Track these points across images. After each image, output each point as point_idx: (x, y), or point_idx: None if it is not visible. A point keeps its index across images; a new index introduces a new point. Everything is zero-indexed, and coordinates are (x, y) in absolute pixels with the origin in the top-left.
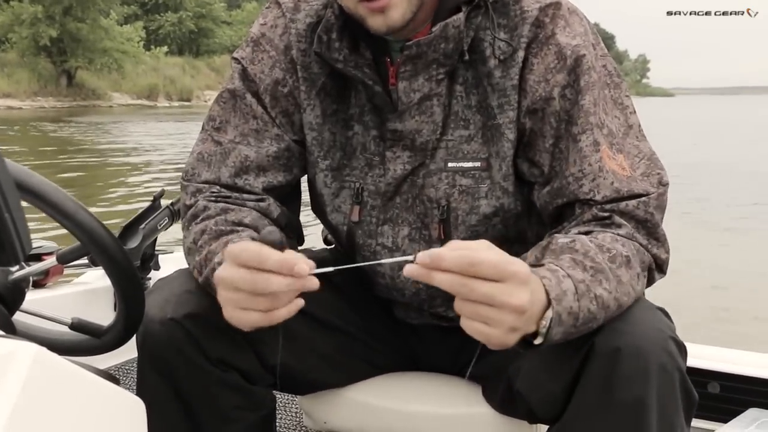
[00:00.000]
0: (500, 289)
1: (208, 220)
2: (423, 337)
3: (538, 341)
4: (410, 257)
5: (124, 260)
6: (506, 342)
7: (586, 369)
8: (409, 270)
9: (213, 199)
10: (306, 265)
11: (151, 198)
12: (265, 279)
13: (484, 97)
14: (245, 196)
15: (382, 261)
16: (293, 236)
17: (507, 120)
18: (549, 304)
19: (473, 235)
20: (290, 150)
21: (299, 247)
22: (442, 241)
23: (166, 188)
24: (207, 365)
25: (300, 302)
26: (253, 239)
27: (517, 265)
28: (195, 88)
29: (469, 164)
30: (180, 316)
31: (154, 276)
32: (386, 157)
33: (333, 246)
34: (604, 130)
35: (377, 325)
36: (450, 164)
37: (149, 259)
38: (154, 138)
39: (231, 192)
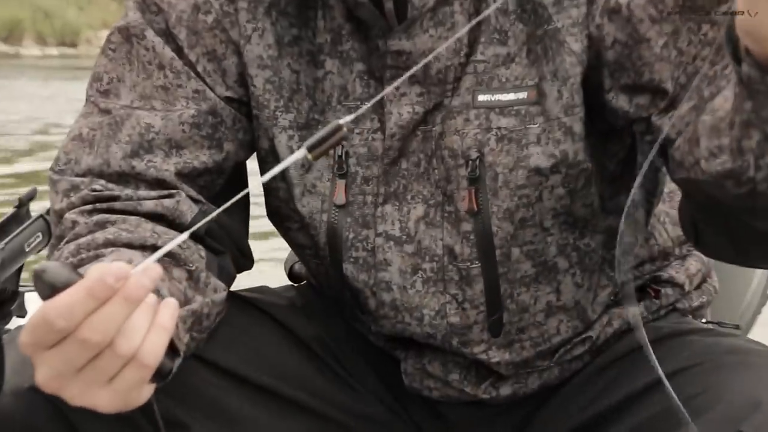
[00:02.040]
0: None
1: (70, 244)
2: (446, 420)
3: None
4: (302, 151)
5: None
6: None
7: None
8: None
9: (90, 206)
10: (122, 266)
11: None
12: (91, 328)
13: None
14: (141, 193)
15: (278, 167)
16: (223, 246)
17: (569, 22)
18: None
19: (522, 203)
20: (217, 113)
21: (247, 272)
22: (474, 216)
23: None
24: None
25: (172, 305)
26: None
27: None
28: (84, 27)
29: (511, 96)
30: None
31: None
32: (386, 96)
33: (303, 282)
34: None
35: (374, 405)
36: (481, 97)
37: (10, 300)
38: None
39: (123, 187)
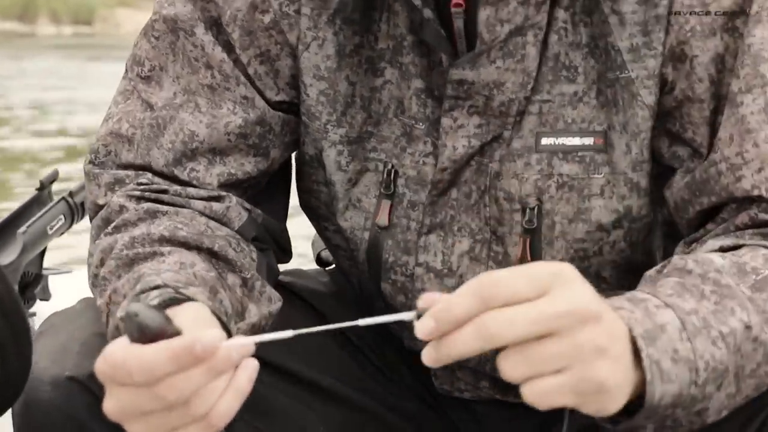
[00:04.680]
0: (548, 300)
1: (122, 233)
2: (479, 417)
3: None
4: (407, 314)
5: None
6: (599, 380)
7: None
8: (427, 357)
9: (138, 193)
10: (214, 337)
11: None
12: (169, 388)
13: (602, 32)
14: (190, 191)
15: (361, 322)
16: (268, 247)
17: (645, 73)
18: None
19: (578, 256)
20: (265, 122)
21: (284, 265)
22: None
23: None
24: None
25: (250, 367)
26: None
27: (553, 264)
28: (99, 5)
29: (577, 141)
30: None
31: (42, 311)
32: (442, 127)
33: (332, 267)
34: None
35: (409, 399)
36: (545, 140)
37: (34, 284)
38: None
39: (170, 182)
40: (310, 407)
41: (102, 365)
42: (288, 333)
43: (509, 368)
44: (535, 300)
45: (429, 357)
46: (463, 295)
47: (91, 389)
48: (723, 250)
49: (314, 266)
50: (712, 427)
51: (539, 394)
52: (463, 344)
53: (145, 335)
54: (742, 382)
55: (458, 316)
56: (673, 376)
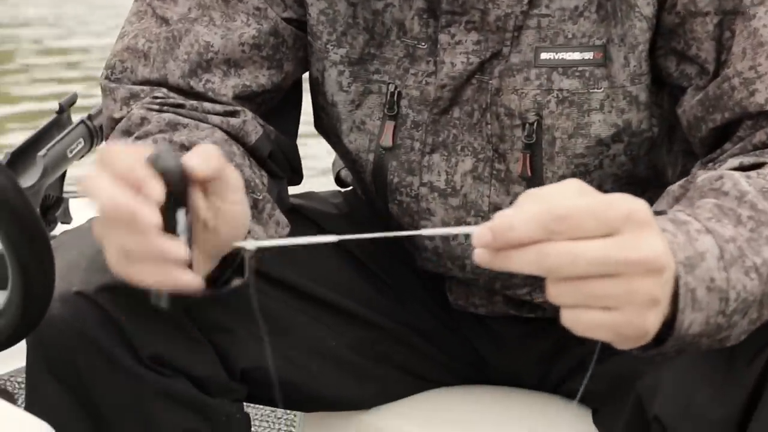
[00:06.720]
0: (617, 244)
1: (144, 139)
2: (493, 333)
3: (672, 340)
4: (471, 228)
5: (20, 204)
6: (646, 328)
7: None
8: (479, 257)
9: (157, 106)
10: (155, 190)
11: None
12: (131, 211)
13: None
14: (207, 105)
15: (424, 231)
16: (281, 170)
17: None
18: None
19: (579, 171)
20: (278, 33)
21: (297, 186)
22: (527, 182)
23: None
24: (136, 367)
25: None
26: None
27: (628, 202)
28: None
29: (576, 55)
30: (93, 290)
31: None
32: (439, 44)
33: (350, 188)
34: None
35: (422, 314)
36: (544, 55)
37: (54, 206)
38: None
39: (186, 98)
40: (321, 322)
41: (104, 146)
42: (332, 237)
43: (557, 295)
44: (601, 239)
45: (482, 258)
46: (528, 221)
47: (98, 303)
48: (744, 168)
49: None
50: (730, 350)
51: (580, 324)
52: (519, 264)
53: (164, 174)
54: (765, 309)
55: (519, 239)
56: (704, 305)
